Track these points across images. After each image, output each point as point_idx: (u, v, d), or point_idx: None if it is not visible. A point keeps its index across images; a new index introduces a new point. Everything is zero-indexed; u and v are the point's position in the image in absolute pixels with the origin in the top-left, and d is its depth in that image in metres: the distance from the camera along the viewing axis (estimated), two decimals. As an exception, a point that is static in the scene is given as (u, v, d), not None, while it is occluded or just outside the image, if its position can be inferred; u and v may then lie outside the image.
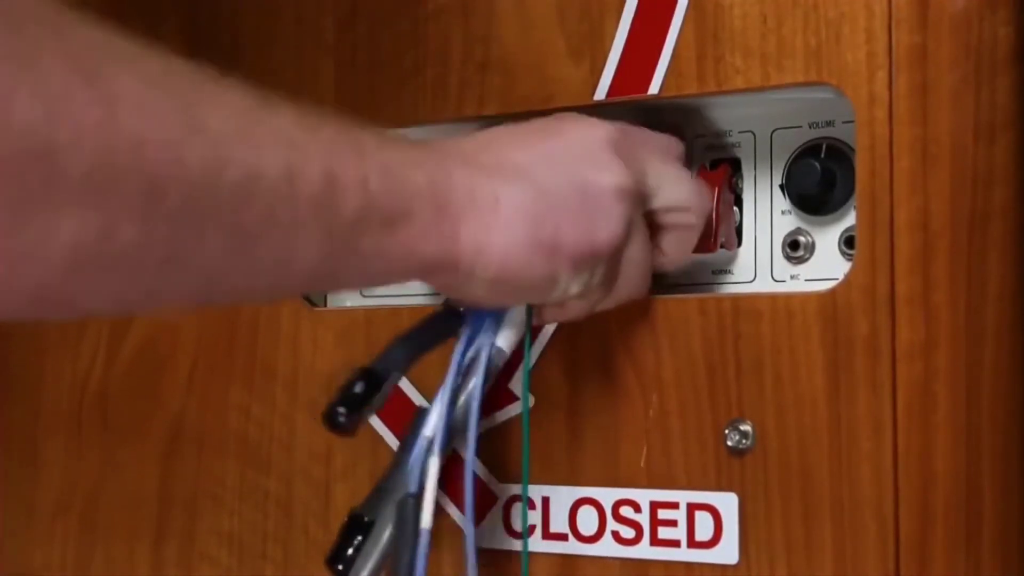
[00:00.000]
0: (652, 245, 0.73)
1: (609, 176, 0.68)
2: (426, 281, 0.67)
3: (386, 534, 0.70)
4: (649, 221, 0.73)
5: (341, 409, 0.66)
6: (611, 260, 0.69)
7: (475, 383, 0.71)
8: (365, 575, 0.70)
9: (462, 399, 0.72)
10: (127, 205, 0.48)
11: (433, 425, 0.71)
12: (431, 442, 0.70)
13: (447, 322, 0.72)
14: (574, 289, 0.68)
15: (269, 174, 0.54)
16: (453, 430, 0.72)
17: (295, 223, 0.56)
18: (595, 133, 0.70)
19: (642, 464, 0.76)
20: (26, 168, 0.45)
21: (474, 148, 0.69)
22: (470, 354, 0.72)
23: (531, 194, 0.66)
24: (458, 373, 0.71)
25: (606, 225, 0.68)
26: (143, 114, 0.48)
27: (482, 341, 0.72)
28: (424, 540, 0.68)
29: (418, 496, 0.69)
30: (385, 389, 0.68)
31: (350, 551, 0.71)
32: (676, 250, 0.75)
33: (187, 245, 0.51)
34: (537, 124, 0.72)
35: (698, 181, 0.76)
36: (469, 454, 0.71)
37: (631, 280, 0.72)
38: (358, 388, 0.67)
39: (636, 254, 0.71)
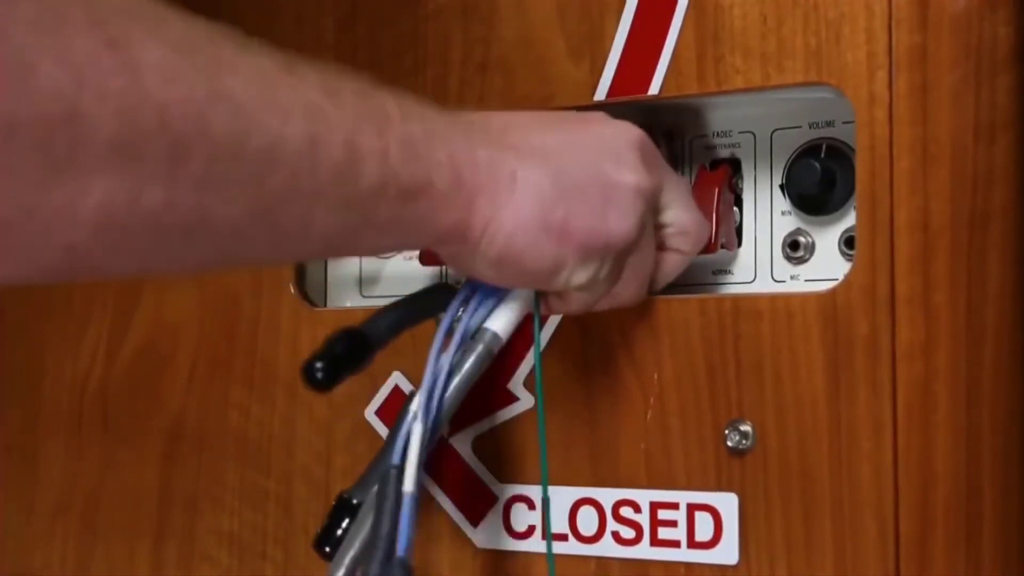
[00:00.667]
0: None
1: (632, 175, 0.69)
2: (435, 249, 0.68)
3: (371, 516, 0.70)
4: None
5: (319, 365, 0.65)
6: (619, 257, 0.69)
7: (445, 360, 0.70)
8: (351, 555, 0.70)
9: (456, 380, 0.72)
10: (153, 170, 0.49)
11: (417, 400, 0.70)
12: (415, 415, 0.70)
13: (437, 298, 0.72)
14: (578, 279, 0.68)
15: (293, 142, 0.54)
16: (442, 408, 0.71)
17: (315, 191, 0.56)
18: (626, 134, 0.71)
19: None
20: (52, 134, 0.46)
21: (501, 126, 0.69)
22: (460, 331, 0.71)
23: (549, 177, 0.66)
24: (440, 347, 0.71)
25: (621, 219, 0.68)
26: (167, 80, 0.49)
27: (469, 320, 0.71)
28: (408, 503, 0.67)
29: (399, 468, 0.68)
30: (367, 353, 0.68)
31: (338, 533, 0.71)
32: (662, 274, 0.76)
33: (211, 210, 0.52)
34: (568, 114, 0.73)
35: (702, 216, 0.77)
36: (422, 410, 0.69)
37: (631, 284, 0.72)
38: (339, 347, 0.66)
39: (640, 261, 0.72)
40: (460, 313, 0.72)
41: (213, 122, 0.51)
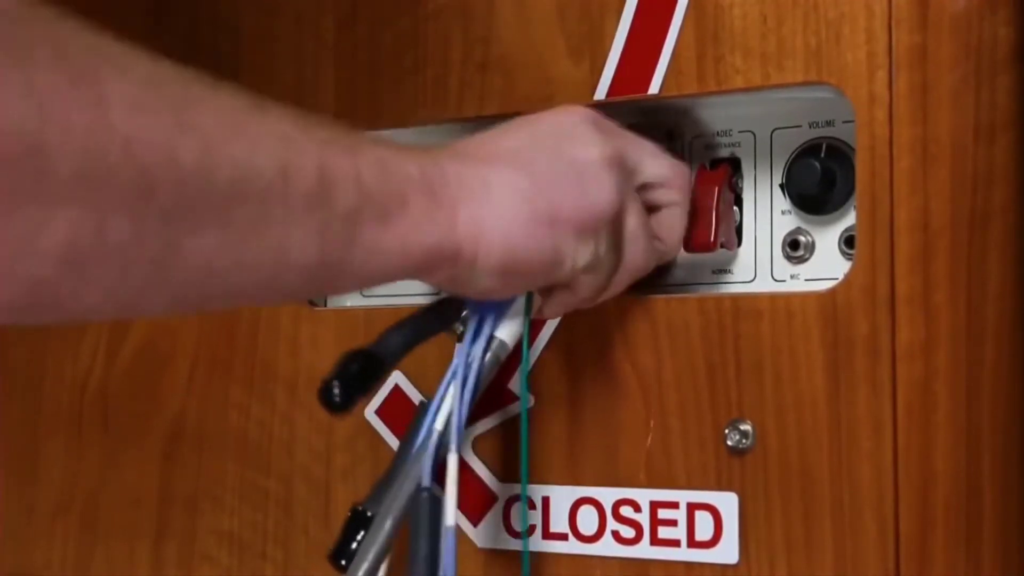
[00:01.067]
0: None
1: (593, 148, 0.70)
2: (429, 278, 0.67)
3: (386, 527, 0.70)
4: None
5: (336, 387, 0.66)
6: (613, 228, 0.70)
7: (471, 376, 0.71)
8: (365, 568, 0.70)
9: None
10: (119, 203, 0.49)
11: (444, 418, 0.70)
12: (443, 436, 0.70)
13: (446, 312, 0.72)
14: (582, 259, 0.68)
15: (263, 171, 0.54)
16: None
17: (289, 220, 0.56)
18: (573, 115, 0.72)
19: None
20: (16, 166, 0.45)
21: (461, 144, 0.70)
22: (477, 348, 0.72)
23: (521, 175, 0.67)
24: (466, 366, 0.71)
25: (599, 192, 0.69)
26: (134, 113, 0.49)
27: (484, 333, 0.72)
28: (451, 538, 0.68)
29: (431, 491, 0.69)
30: (380, 373, 0.68)
31: (353, 546, 0.71)
32: (669, 232, 0.76)
33: (181, 243, 0.52)
34: (517, 119, 0.73)
35: (674, 159, 0.76)
36: (454, 442, 0.70)
37: (636, 254, 0.72)
38: (354, 368, 0.66)
39: (635, 225, 0.71)
40: (476, 327, 0.72)
41: (181, 153, 0.50)
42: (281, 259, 0.57)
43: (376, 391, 0.84)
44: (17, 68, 0.45)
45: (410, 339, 0.70)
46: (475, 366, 0.71)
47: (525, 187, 0.66)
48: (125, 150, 0.48)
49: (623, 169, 0.71)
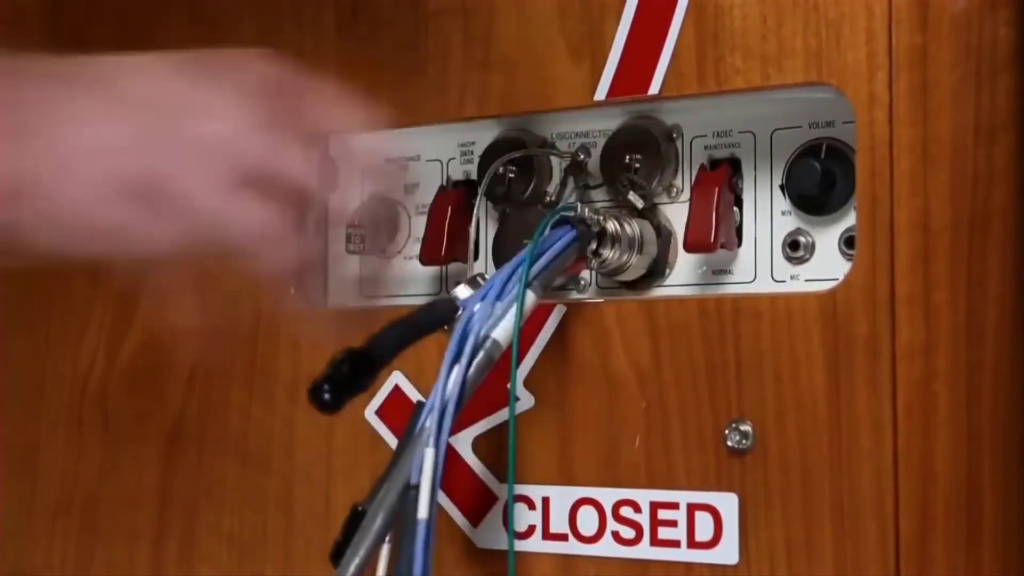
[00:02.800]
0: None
1: (211, 123, 0.63)
2: None
3: (376, 524, 0.70)
4: None
5: (326, 387, 0.66)
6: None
7: (458, 373, 0.71)
8: (356, 563, 0.70)
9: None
10: None
11: (428, 415, 0.70)
12: (427, 432, 0.70)
13: (441, 312, 0.72)
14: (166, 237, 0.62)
15: None
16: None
17: None
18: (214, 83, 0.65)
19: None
20: None
21: (77, 63, 0.63)
22: (467, 347, 0.72)
23: (123, 130, 0.61)
24: (452, 364, 0.71)
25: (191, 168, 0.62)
26: None
27: (476, 332, 0.72)
28: (422, 530, 0.68)
29: (418, 487, 0.69)
30: (372, 373, 0.68)
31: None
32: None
33: None
34: (186, 56, 0.66)
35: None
36: (432, 436, 0.70)
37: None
38: (345, 368, 0.66)
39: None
40: (466, 327, 0.72)
41: None
42: None
43: (376, 391, 0.84)
44: None
45: (403, 339, 0.70)
46: (463, 361, 0.71)
47: (120, 144, 0.60)
48: None
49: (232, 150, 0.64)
